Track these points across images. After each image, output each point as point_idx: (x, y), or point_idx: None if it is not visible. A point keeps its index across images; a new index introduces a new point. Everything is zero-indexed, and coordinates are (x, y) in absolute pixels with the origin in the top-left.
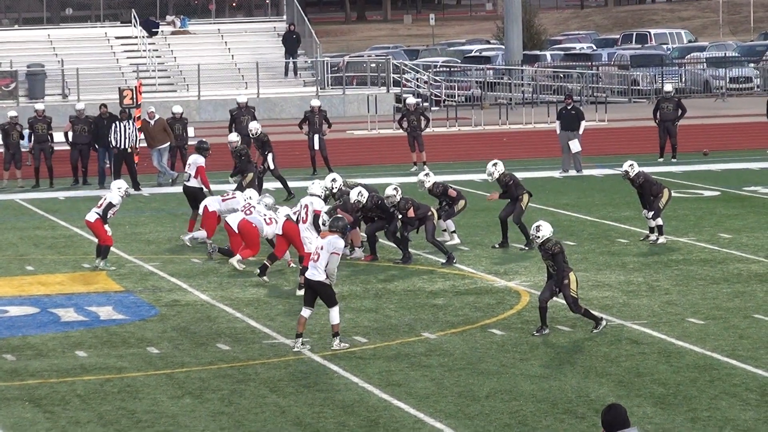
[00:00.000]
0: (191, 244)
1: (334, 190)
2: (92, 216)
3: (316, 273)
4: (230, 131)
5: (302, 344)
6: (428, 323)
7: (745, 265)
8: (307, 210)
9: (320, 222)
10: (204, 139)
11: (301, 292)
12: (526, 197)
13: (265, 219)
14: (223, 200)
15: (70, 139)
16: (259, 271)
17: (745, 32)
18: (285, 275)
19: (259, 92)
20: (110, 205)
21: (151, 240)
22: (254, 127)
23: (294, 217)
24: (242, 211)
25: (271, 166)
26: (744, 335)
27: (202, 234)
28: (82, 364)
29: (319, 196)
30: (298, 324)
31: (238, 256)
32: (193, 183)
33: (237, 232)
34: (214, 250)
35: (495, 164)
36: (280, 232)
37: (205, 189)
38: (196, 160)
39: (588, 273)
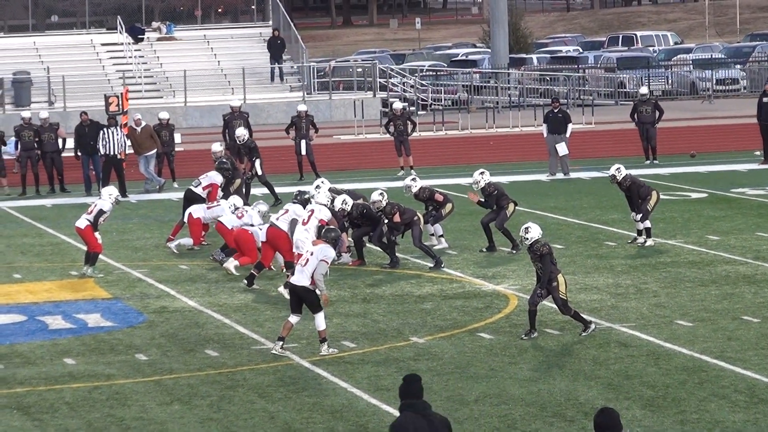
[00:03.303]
0: (178, 250)
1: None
2: (83, 222)
3: (301, 278)
4: (223, 136)
5: (282, 348)
6: (416, 327)
7: (732, 266)
8: (311, 215)
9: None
10: (225, 161)
11: (281, 290)
12: (511, 206)
13: (260, 227)
14: (208, 208)
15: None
16: (246, 281)
17: (732, 34)
18: (273, 281)
19: (246, 98)
20: (101, 212)
21: (139, 247)
22: (241, 133)
23: (278, 223)
24: (235, 214)
25: (259, 172)
26: (732, 337)
27: (188, 241)
28: (70, 371)
29: (325, 205)
30: (283, 328)
31: (236, 262)
32: (199, 191)
33: (231, 230)
34: (219, 255)
35: (482, 173)
36: (265, 239)
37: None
38: (214, 177)
39: (576, 276)
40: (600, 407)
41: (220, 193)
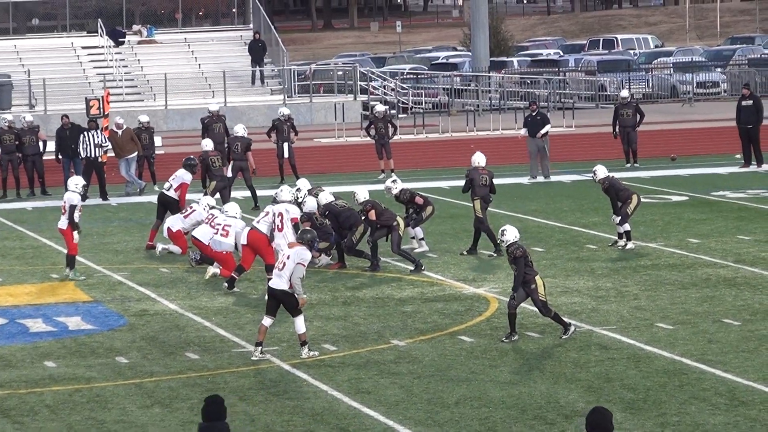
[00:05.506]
0: (161, 254)
1: (299, 199)
2: (63, 223)
3: (279, 282)
4: (202, 139)
5: (261, 353)
6: (397, 330)
7: (713, 269)
8: (282, 218)
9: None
10: (192, 156)
11: None
12: (476, 203)
13: (236, 218)
14: (185, 217)
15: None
16: (226, 284)
17: (712, 37)
18: (253, 284)
19: (226, 101)
20: (73, 207)
21: (120, 250)
22: (239, 129)
23: (258, 226)
24: (207, 222)
25: (229, 174)
26: (713, 340)
27: (177, 249)
28: (50, 374)
29: (289, 202)
30: (259, 332)
31: (217, 270)
32: (171, 194)
33: (207, 245)
34: (195, 258)
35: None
36: (245, 242)
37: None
38: (183, 176)
39: (557, 279)
40: (592, 407)
41: (193, 197)
